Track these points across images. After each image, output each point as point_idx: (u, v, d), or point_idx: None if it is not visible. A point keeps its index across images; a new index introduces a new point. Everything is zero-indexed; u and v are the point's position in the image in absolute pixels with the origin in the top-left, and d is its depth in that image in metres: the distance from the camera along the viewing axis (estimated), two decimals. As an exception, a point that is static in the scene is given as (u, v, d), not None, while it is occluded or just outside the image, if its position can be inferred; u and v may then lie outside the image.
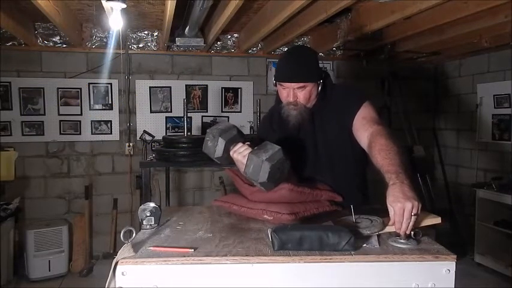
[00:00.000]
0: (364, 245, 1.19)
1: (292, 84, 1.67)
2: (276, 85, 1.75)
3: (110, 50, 4.00)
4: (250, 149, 1.45)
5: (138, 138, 4.09)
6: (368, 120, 1.61)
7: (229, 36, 4.33)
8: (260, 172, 1.34)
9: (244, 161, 1.41)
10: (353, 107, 1.67)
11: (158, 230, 1.38)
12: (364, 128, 1.59)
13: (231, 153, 1.50)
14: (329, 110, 1.74)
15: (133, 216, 4.20)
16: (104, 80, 4.18)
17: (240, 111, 4.54)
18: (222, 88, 4.50)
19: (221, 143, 1.47)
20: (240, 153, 1.48)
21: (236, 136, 1.51)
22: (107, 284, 1.11)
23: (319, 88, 1.72)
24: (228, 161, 1.54)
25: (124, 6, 2.45)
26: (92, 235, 4.21)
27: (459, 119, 4.80)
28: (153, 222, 1.39)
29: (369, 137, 1.53)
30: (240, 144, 1.50)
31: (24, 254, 3.82)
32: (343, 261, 1.12)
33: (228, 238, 1.28)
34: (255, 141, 1.54)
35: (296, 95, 1.68)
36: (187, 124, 3.48)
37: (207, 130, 1.53)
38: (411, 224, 1.20)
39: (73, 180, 4.21)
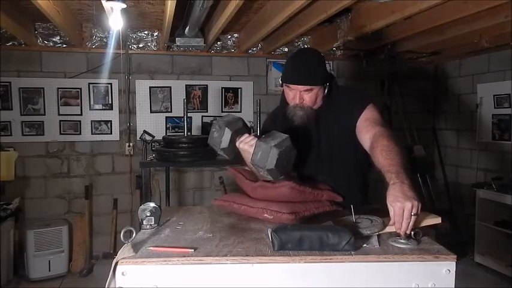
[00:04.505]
0: (364, 245, 1.19)
1: (299, 86, 1.69)
2: (282, 85, 1.77)
3: (110, 50, 4.00)
4: (256, 139, 1.46)
5: (138, 138, 4.09)
6: (371, 122, 1.62)
7: (229, 36, 4.33)
8: (268, 158, 1.35)
9: (251, 150, 1.43)
10: (357, 109, 1.69)
11: (158, 230, 1.38)
12: (367, 129, 1.60)
13: (237, 143, 1.52)
14: (334, 112, 1.76)
15: (133, 216, 4.20)
16: (104, 80, 4.18)
17: (240, 111, 4.54)
18: (222, 88, 4.50)
19: (227, 134, 1.48)
20: (247, 143, 1.50)
21: (242, 128, 1.53)
22: (107, 284, 1.11)
23: (326, 91, 1.74)
24: (233, 152, 1.54)
25: (124, 6, 2.45)
26: (92, 235, 4.21)
27: (459, 119, 4.80)
28: (153, 222, 1.39)
29: (371, 138, 1.54)
30: (246, 134, 1.53)
31: (24, 254, 3.81)
32: (343, 261, 1.12)
33: (228, 238, 1.28)
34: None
35: (302, 97, 1.70)
36: (187, 124, 3.48)
37: (213, 122, 1.56)
38: (411, 224, 1.20)
39: (73, 180, 4.21)
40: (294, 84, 1.70)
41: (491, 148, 4.35)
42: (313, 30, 3.71)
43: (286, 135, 1.40)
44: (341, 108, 1.74)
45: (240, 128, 1.52)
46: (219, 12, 3.16)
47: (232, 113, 4.44)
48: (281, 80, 1.76)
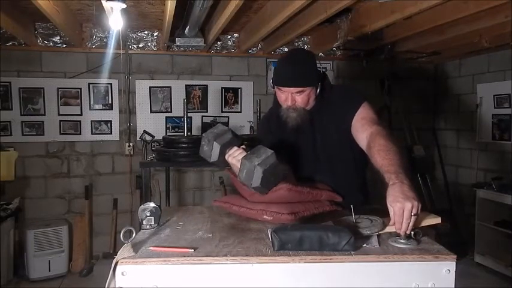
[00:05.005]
0: (364, 245, 1.19)
1: (291, 88, 1.67)
2: (274, 87, 1.75)
3: (110, 50, 4.00)
4: (244, 153, 1.44)
5: (138, 138, 4.09)
6: (367, 121, 1.61)
7: (229, 36, 4.33)
8: (253, 177, 1.34)
9: (239, 165, 1.41)
10: (352, 107, 1.67)
11: (158, 230, 1.38)
12: (363, 128, 1.59)
13: (226, 157, 1.50)
14: (328, 111, 1.74)
15: (133, 216, 4.20)
16: (104, 80, 4.18)
17: (240, 111, 4.54)
18: (222, 88, 4.50)
19: (216, 147, 1.48)
20: (235, 157, 1.48)
21: (231, 140, 1.51)
22: (107, 284, 1.11)
23: (318, 91, 1.72)
24: (224, 164, 1.54)
25: (124, 6, 2.45)
26: (92, 235, 4.21)
27: (459, 119, 4.80)
28: (153, 222, 1.39)
29: (368, 137, 1.53)
30: (235, 148, 1.50)
31: (24, 254, 3.82)
32: (343, 261, 1.12)
33: (228, 238, 1.28)
34: (255, 141, 1.54)
35: (294, 98, 1.68)
36: (187, 124, 3.48)
37: (203, 134, 1.53)
38: (411, 224, 1.20)
39: (73, 180, 4.21)
40: (284, 86, 1.68)
41: (491, 148, 4.35)
42: (313, 30, 3.71)
43: (272, 152, 1.37)
44: (335, 108, 1.72)
45: (229, 140, 1.50)
46: (219, 12, 3.16)
47: (232, 113, 4.48)
48: (272, 82, 1.73)
